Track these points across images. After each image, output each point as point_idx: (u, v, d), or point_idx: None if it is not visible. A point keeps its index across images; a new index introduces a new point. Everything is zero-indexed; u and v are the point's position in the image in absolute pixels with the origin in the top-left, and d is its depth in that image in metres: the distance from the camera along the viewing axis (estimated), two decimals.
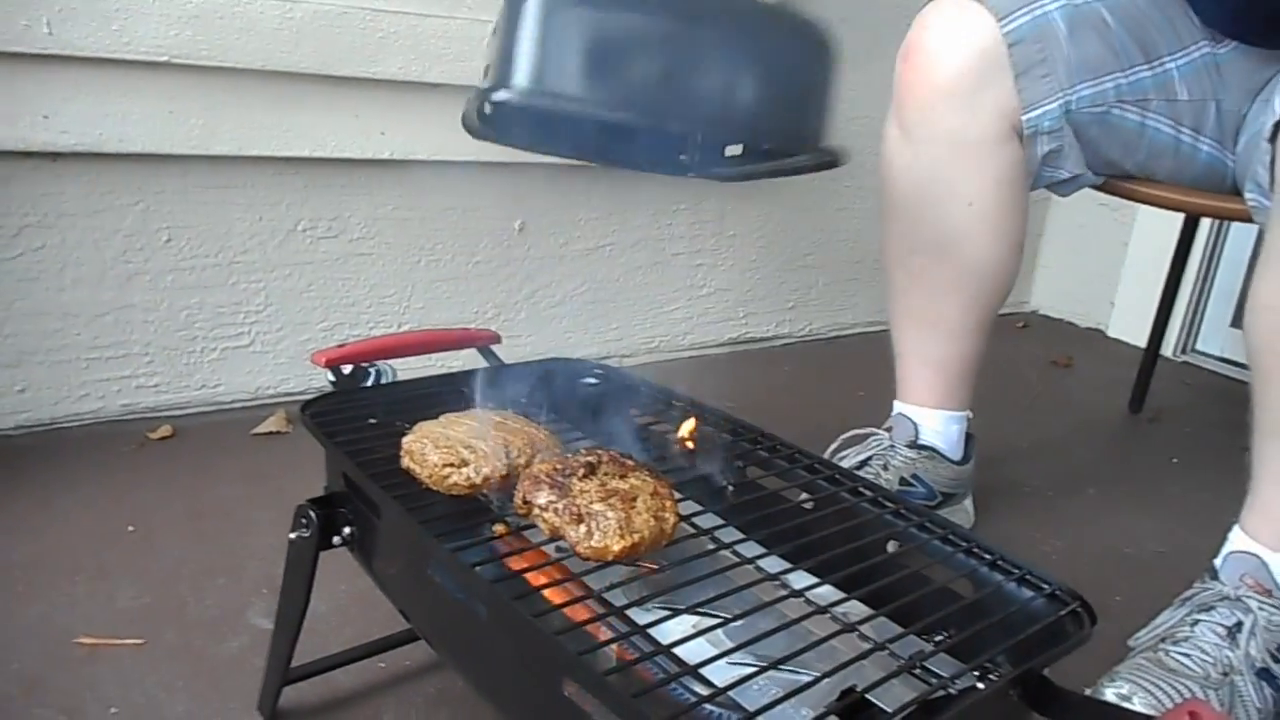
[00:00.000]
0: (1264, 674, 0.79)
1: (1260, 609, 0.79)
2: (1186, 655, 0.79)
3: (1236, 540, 0.84)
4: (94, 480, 1.07)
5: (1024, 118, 0.92)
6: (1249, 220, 0.91)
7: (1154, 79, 0.94)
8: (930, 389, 1.06)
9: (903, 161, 0.98)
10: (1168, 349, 1.77)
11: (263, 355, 1.30)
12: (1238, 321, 1.81)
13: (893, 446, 1.06)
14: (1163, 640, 0.81)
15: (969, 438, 1.10)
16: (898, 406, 1.09)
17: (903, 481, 1.04)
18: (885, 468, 1.04)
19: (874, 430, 1.08)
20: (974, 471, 1.11)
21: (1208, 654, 0.79)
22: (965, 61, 0.91)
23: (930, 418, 1.06)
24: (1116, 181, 1.03)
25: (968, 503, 1.13)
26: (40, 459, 1.11)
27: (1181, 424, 1.54)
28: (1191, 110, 0.96)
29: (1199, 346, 1.87)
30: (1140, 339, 1.61)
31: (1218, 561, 0.84)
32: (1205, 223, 1.65)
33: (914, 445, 1.05)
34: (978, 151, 0.94)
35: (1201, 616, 0.81)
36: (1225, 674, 0.78)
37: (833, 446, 1.08)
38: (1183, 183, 1.01)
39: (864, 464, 1.05)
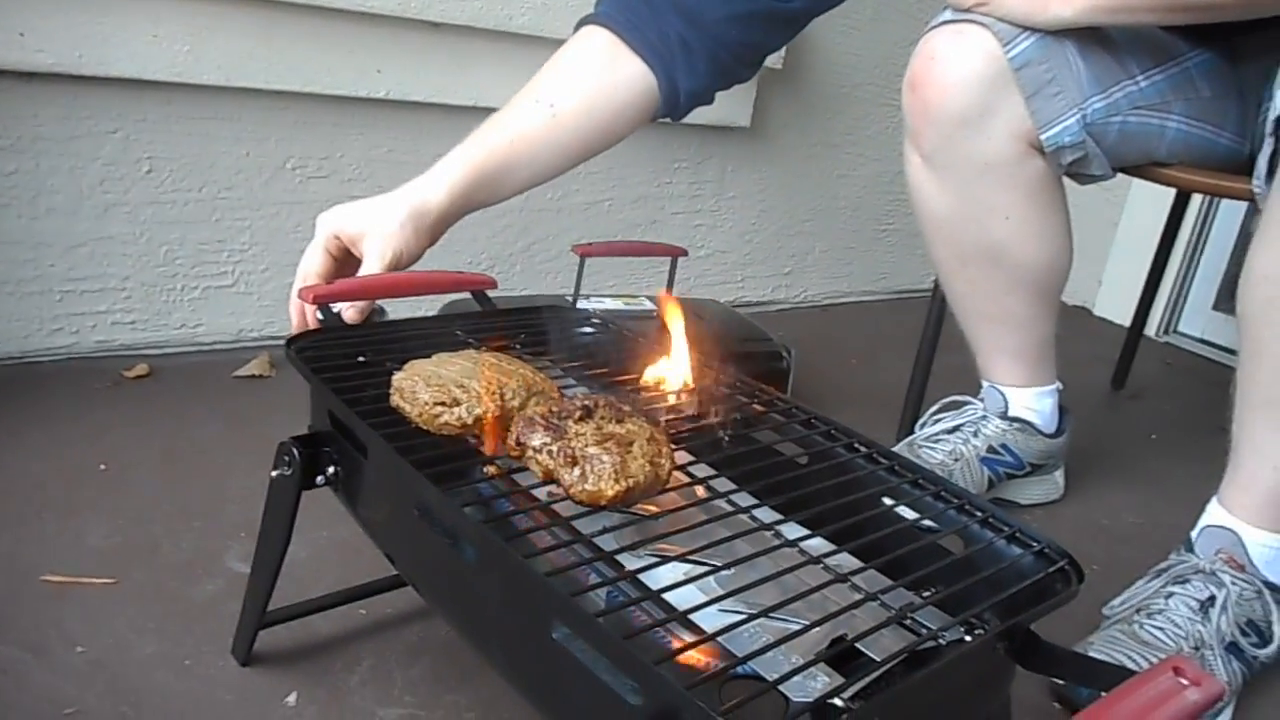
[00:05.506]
0: (1232, 648, 0.80)
1: (1233, 584, 0.81)
2: (1160, 629, 0.80)
3: (1213, 514, 0.85)
4: (65, 416, 1.04)
5: (1043, 136, 0.90)
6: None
7: (1169, 80, 0.93)
8: (1013, 373, 1.07)
9: (931, 187, 0.98)
10: (1151, 329, 1.79)
11: (246, 296, 1.27)
12: (1219, 305, 1.82)
13: (985, 416, 1.08)
14: (1137, 611, 0.83)
15: (1063, 410, 1.11)
16: (986, 380, 1.10)
17: (990, 450, 1.07)
18: (976, 434, 1.07)
19: (970, 399, 1.11)
20: (1067, 443, 1.12)
21: (1180, 627, 0.80)
22: (971, 91, 0.89)
23: (1019, 394, 1.08)
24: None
25: (1058, 474, 1.15)
26: (9, 392, 1.08)
27: (1161, 402, 1.56)
28: (1214, 107, 0.95)
29: (1180, 328, 1.89)
30: (1125, 318, 1.62)
31: (1194, 534, 0.86)
32: (1194, 204, 1.66)
33: (1005, 416, 1.08)
34: (1001, 172, 0.93)
35: (1176, 589, 0.82)
36: (1196, 648, 0.79)
37: (931, 410, 1.12)
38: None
39: (955, 430, 1.08)
